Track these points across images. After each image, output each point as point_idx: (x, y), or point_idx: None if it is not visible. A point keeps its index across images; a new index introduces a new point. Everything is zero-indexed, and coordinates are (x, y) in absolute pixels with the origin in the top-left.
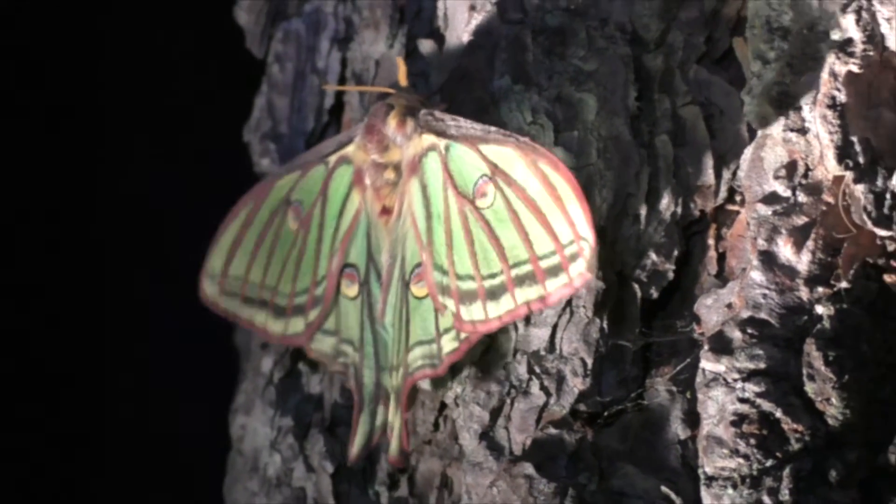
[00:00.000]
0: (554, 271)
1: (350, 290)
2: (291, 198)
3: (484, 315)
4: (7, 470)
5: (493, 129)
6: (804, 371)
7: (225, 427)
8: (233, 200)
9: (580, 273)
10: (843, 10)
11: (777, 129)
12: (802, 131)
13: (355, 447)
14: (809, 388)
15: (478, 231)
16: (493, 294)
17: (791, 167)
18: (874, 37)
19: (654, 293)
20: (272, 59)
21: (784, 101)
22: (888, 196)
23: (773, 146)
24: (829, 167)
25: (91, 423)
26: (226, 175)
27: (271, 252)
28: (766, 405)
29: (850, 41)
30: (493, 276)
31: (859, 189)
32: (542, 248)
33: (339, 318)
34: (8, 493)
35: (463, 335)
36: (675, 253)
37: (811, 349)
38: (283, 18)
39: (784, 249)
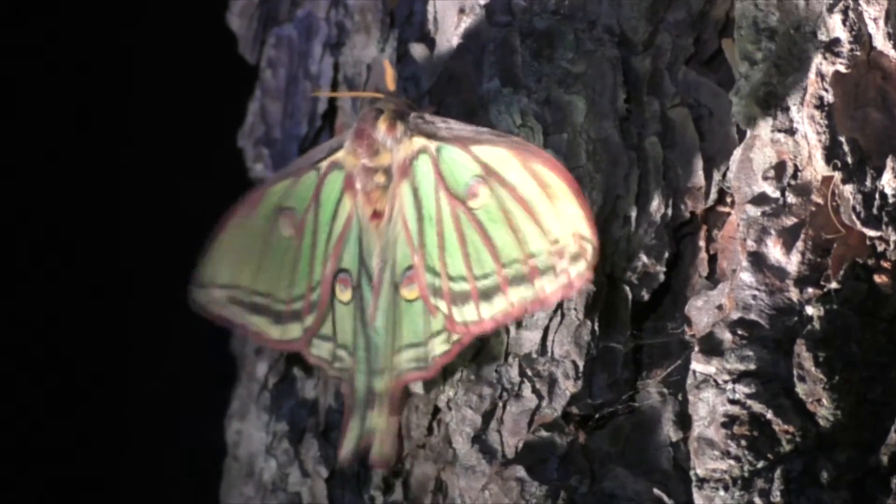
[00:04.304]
0: (548, 271)
1: (344, 294)
2: (284, 204)
3: (477, 316)
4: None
5: (485, 130)
6: (794, 372)
7: (221, 432)
8: (227, 206)
9: (580, 273)
10: (830, 10)
11: (765, 129)
12: (790, 132)
13: (344, 450)
14: (800, 388)
15: (470, 232)
16: (487, 294)
17: (780, 168)
18: (861, 37)
19: (645, 295)
20: (265, 65)
21: (771, 102)
22: (877, 196)
23: (761, 147)
24: (817, 168)
25: (89, 426)
26: (220, 181)
27: (265, 258)
28: (757, 406)
29: (836, 41)
30: (485, 276)
31: (848, 189)
32: (536, 247)
33: (334, 323)
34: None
35: (455, 337)
36: (666, 255)
37: (801, 350)
38: (276, 24)
39: (773, 250)
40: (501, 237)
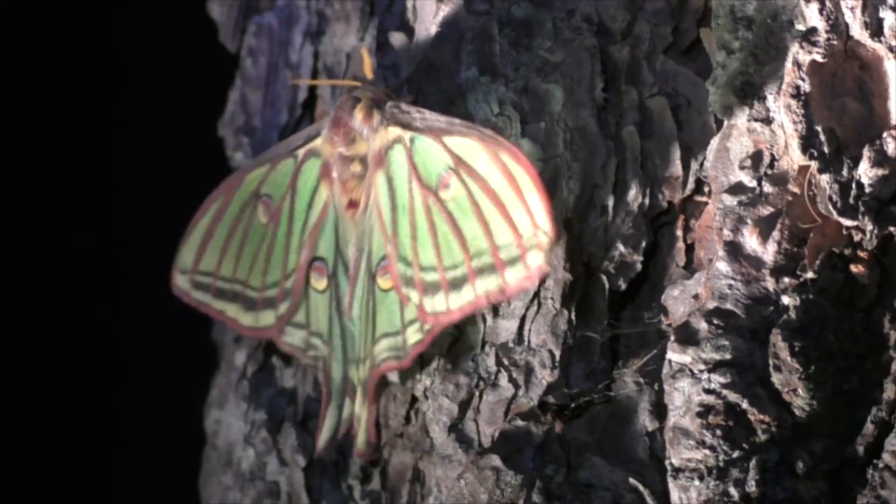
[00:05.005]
0: (513, 262)
1: (319, 283)
2: (261, 191)
3: (446, 306)
4: None
5: (457, 121)
6: (770, 362)
7: (200, 421)
8: (207, 195)
9: (539, 265)
10: None
11: (742, 119)
12: (767, 121)
13: (321, 440)
14: (775, 378)
15: (441, 223)
16: (455, 285)
17: (756, 157)
18: (838, 26)
19: (623, 285)
20: (245, 53)
21: (748, 91)
22: (853, 186)
23: (738, 136)
24: (794, 157)
25: (73, 417)
26: (201, 169)
27: (242, 245)
28: (732, 396)
29: (813, 30)
30: (454, 266)
31: (824, 179)
32: (502, 238)
33: (308, 311)
34: None
35: (427, 327)
36: (643, 244)
37: (777, 340)
38: (256, 12)
39: (750, 240)
40: (470, 228)
